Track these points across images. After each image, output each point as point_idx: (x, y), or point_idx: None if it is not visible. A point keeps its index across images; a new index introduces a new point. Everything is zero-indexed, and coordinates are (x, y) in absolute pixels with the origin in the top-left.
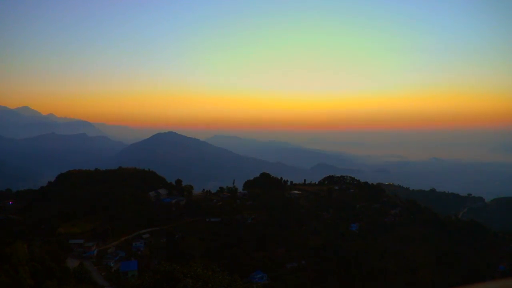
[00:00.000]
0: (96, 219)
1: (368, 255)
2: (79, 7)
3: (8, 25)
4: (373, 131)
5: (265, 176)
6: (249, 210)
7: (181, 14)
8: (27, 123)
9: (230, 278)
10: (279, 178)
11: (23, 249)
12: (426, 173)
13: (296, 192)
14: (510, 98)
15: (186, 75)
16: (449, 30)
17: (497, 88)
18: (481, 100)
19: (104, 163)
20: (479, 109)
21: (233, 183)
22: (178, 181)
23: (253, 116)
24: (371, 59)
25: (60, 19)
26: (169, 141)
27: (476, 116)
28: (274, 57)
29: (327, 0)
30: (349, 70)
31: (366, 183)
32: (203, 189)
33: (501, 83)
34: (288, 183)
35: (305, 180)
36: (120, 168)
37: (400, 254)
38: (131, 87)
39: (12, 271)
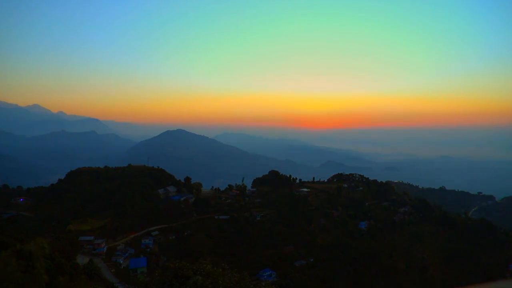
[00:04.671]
0: (106, 216)
1: (377, 253)
2: (90, 6)
3: (18, 24)
4: (382, 129)
5: (273, 174)
6: (257, 208)
7: (190, 15)
8: (37, 120)
9: (239, 276)
10: (288, 175)
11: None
12: (435, 171)
13: (305, 189)
14: None
15: (195, 72)
16: (459, 29)
17: (508, 86)
18: (491, 98)
19: (113, 160)
20: (490, 107)
21: (242, 180)
22: (187, 179)
23: (262, 114)
24: (381, 58)
25: (70, 19)
26: (178, 139)
27: (486, 114)
28: (284, 56)
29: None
30: (359, 69)
31: (375, 181)
32: (212, 187)
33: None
34: (297, 181)
35: (314, 178)
36: (129, 165)
37: (409, 253)
38: (139, 85)
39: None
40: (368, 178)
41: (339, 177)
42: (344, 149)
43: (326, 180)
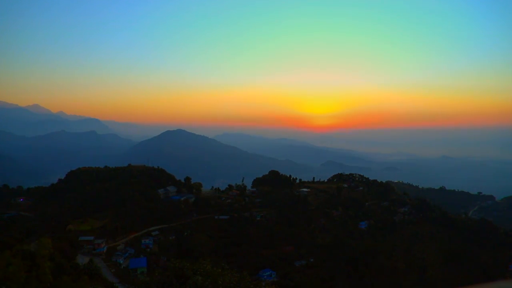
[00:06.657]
0: (106, 216)
1: (377, 253)
2: (89, 6)
3: (19, 24)
4: (382, 129)
5: (274, 174)
6: (258, 208)
7: (187, 13)
8: (37, 120)
9: (239, 276)
10: (288, 175)
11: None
12: (436, 171)
13: (305, 189)
14: None
15: (194, 72)
16: (460, 28)
17: (508, 86)
18: (492, 98)
19: (114, 160)
20: (490, 107)
21: (242, 180)
22: (187, 179)
23: (262, 114)
24: (382, 57)
25: (70, 19)
26: (178, 139)
27: (486, 114)
28: (283, 55)
29: None
30: (360, 68)
31: (375, 181)
32: (212, 187)
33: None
34: (297, 181)
35: (314, 178)
36: (129, 165)
37: (409, 253)
38: (140, 85)
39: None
40: (368, 178)
41: (339, 177)
42: (344, 149)
43: (326, 180)
